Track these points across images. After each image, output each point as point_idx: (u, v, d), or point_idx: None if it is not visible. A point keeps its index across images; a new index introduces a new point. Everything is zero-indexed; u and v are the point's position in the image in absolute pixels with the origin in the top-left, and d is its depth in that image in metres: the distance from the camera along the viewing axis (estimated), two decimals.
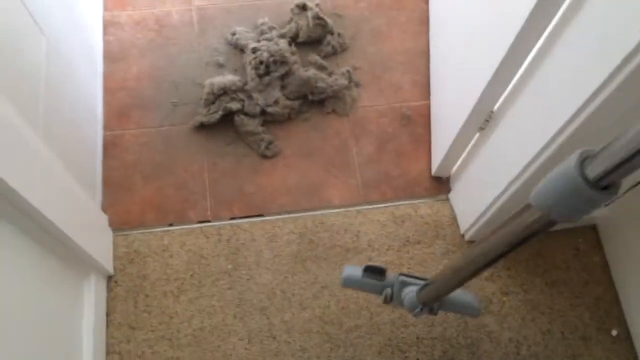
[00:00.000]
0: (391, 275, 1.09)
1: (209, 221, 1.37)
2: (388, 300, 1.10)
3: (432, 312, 1.02)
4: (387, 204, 1.40)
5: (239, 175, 1.43)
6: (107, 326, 1.23)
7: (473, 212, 1.28)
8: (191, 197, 1.40)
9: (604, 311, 1.28)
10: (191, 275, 1.29)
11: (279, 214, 1.39)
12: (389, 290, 1.10)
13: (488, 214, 1.22)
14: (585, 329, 1.27)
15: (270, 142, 1.45)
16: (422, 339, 1.24)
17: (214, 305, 1.26)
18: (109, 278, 1.28)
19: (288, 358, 1.22)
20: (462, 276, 0.82)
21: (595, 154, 0.51)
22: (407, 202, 1.41)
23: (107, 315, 1.24)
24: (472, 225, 1.30)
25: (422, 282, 1.02)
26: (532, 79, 0.95)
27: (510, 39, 0.94)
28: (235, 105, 1.45)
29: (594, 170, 0.51)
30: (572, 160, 0.52)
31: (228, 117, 1.47)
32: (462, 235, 1.35)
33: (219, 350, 1.22)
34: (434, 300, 0.98)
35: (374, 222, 1.37)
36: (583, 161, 0.52)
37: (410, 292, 1.02)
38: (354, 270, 1.13)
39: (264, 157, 1.45)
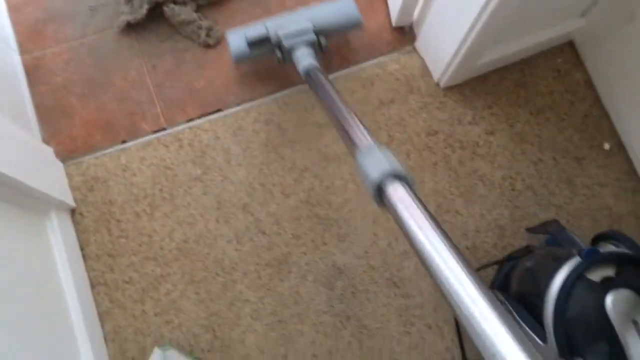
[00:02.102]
0: (274, 34, 1.14)
1: (164, 129, 1.25)
2: (281, 62, 1.17)
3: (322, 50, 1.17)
4: (350, 69, 1.28)
5: (184, 72, 1.29)
6: (85, 260, 1.14)
7: (443, 56, 1.17)
8: (138, 108, 1.26)
9: (593, 127, 1.23)
10: (160, 190, 1.19)
11: (239, 104, 1.26)
12: (278, 52, 1.16)
13: (460, 55, 1.11)
14: (577, 149, 1.22)
15: (210, 29, 1.29)
16: None
17: (192, 214, 1.18)
18: (73, 212, 1.17)
19: (282, 249, 1.16)
20: None
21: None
22: (372, 61, 1.29)
23: (82, 249, 1.15)
24: (445, 70, 1.20)
25: (305, 31, 1.12)
26: None
27: None
28: None
29: (386, 191, 0.61)
30: (381, 171, 0.63)
31: (157, 11, 1.29)
32: (437, 84, 1.26)
33: (209, 257, 1.15)
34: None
35: (342, 91, 1.25)
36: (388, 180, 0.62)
37: (302, 62, 1.07)
38: (239, 44, 1.17)
39: (207, 46, 1.30)
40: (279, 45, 1.15)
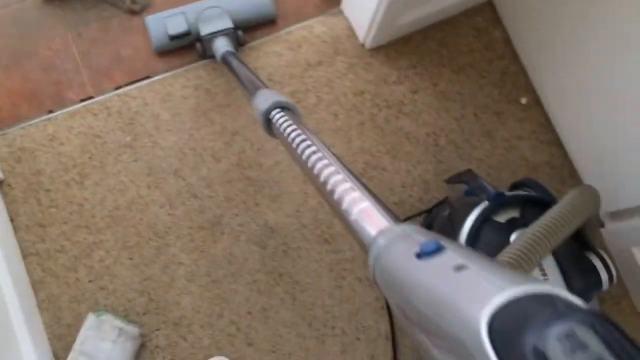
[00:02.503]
0: (195, 31, 1.21)
1: (91, 97, 1.24)
2: (201, 55, 1.24)
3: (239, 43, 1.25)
4: (278, 32, 1.30)
5: (111, 40, 1.27)
6: (15, 231, 1.14)
7: (365, 17, 1.19)
8: (64, 77, 1.25)
9: (511, 83, 1.28)
10: (90, 158, 1.19)
11: (167, 70, 1.26)
12: (199, 45, 1.23)
13: (379, 15, 1.13)
14: (496, 105, 1.27)
15: None
16: (343, 156, 1.22)
17: (123, 182, 1.18)
18: (0, 183, 1.16)
19: (214, 211, 1.18)
20: None
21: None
22: (299, 24, 1.30)
23: (11, 220, 1.14)
24: (369, 31, 1.22)
25: (224, 30, 1.19)
26: None
27: None
28: None
29: (274, 121, 0.70)
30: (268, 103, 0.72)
31: None
32: (363, 45, 1.28)
33: (142, 223, 1.16)
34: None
35: (269, 54, 1.27)
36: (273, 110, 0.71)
37: (220, 49, 1.14)
38: (161, 37, 1.23)
39: (133, 13, 1.29)
40: (199, 38, 1.22)
